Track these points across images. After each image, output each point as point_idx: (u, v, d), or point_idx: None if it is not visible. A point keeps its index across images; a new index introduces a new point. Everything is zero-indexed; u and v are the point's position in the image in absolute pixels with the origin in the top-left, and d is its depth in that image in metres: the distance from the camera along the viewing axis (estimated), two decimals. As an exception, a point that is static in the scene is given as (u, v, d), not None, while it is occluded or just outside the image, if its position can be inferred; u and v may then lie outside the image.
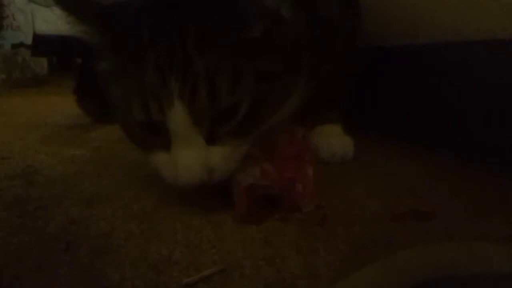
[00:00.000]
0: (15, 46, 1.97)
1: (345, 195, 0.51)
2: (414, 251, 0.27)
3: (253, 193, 0.44)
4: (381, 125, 0.75)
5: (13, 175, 0.60)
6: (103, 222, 0.45)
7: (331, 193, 0.51)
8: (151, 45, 0.41)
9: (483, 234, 0.41)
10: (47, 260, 0.38)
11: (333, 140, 0.63)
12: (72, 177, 0.60)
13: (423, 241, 0.39)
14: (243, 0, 0.43)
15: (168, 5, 0.43)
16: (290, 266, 0.36)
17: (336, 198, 0.49)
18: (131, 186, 0.54)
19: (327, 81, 0.57)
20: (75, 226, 0.44)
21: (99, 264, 0.37)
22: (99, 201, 0.51)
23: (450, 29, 0.62)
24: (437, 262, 0.26)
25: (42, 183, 0.57)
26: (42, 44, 1.87)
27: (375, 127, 0.75)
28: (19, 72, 1.93)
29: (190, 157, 0.42)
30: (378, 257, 0.27)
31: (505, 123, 0.55)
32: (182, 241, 0.41)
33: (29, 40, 1.96)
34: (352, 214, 0.45)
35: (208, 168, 0.42)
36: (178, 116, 0.41)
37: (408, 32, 0.70)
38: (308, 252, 0.38)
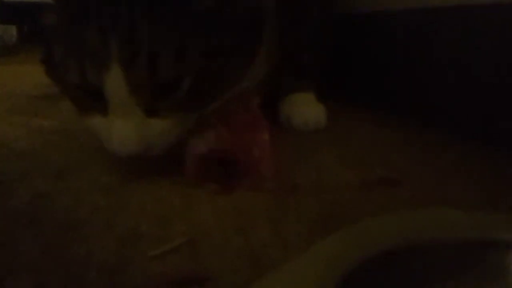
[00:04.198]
0: (-20, 13, 1.89)
1: (317, 164, 0.50)
2: (377, 220, 0.27)
3: (207, 158, 0.43)
4: (354, 95, 0.75)
5: (-25, 148, 0.58)
6: (70, 196, 0.44)
7: (303, 162, 0.50)
8: (97, 2, 0.39)
9: (449, 201, 0.41)
10: (9, 235, 0.37)
11: (306, 108, 0.63)
12: (39, 149, 0.58)
13: (391, 209, 0.40)
14: None
15: None
16: (260, 236, 0.36)
17: (308, 167, 0.49)
18: (100, 158, 0.53)
19: (298, 48, 0.56)
20: (41, 200, 0.43)
21: (64, 238, 0.36)
22: (66, 174, 0.49)
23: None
24: (401, 230, 0.26)
25: (6, 155, 0.55)
26: (10, 11, 1.80)
27: (349, 96, 0.75)
28: (-14, 41, 1.85)
29: (126, 128, 0.41)
30: (347, 225, 0.27)
31: (473, 91, 0.55)
32: (150, 213, 0.40)
33: (-5, 7, 1.88)
34: (324, 183, 0.45)
35: (145, 140, 0.41)
36: (114, 82, 0.39)
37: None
38: (279, 222, 0.38)
